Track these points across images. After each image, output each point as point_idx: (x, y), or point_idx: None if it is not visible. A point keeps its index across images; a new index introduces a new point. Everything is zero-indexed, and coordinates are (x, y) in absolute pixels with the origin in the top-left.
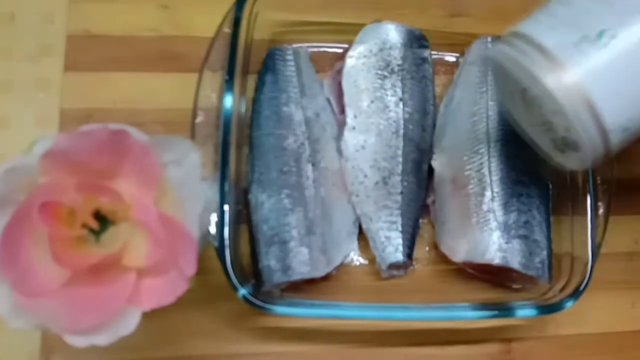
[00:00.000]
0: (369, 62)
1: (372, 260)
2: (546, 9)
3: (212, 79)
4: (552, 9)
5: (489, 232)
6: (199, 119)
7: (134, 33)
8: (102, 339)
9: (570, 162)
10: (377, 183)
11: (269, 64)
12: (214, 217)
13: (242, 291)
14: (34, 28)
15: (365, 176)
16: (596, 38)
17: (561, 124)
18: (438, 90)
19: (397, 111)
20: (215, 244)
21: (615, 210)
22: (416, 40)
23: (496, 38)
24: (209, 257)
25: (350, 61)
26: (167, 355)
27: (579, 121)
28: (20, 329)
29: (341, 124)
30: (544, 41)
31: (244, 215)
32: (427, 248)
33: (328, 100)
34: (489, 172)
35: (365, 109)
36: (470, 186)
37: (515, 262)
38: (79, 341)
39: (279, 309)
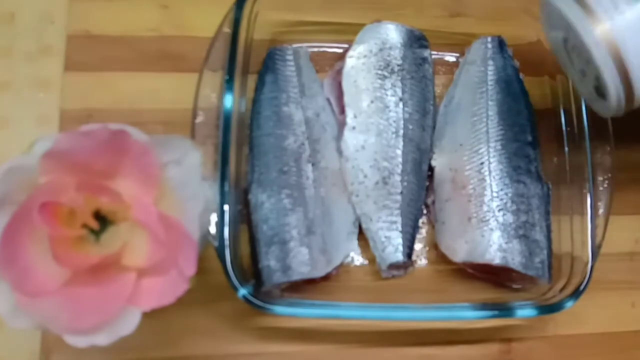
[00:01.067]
0: (369, 62)
1: (372, 260)
2: None
3: (212, 79)
4: None
5: (489, 232)
6: (199, 119)
7: (134, 33)
8: (102, 339)
9: (600, 109)
10: (377, 183)
11: (269, 64)
12: (214, 217)
13: (242, 291)
14: (34, 28)
15: (365, 176)
16: (633, 0)
17: (593, 73)
18: (438, 90)
19: (397, 111)
20: (215, 244)
21: (615, 210)
22: (416, 40)
23: (496, 38)
24: (209, 257)
25: (350, 61)
26: (167, 355)
27: (608, 72)
28: (20, 329)
29: (341, 124)
30: None
31: (244, 215)
32: (427, 248)
33: (328, 100)
34: (489, 172)
35: (365, 109)
36: (470, 186)
37: (515, 262)
38: (79, 341)
39: (279, 309)
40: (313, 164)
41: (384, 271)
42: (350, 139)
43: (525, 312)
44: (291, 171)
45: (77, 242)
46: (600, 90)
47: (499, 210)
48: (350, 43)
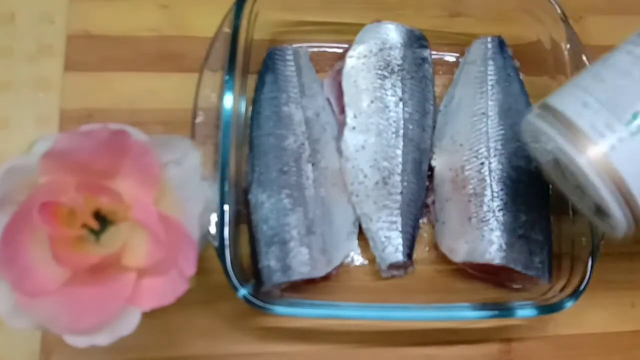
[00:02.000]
0: (369, 62)
1: (372, 260)
2: (579, 82)
3: (212, 79)
4: (586, 84)
5: (489, 232)
6: (199, 119)
7: (134, 33)
8: (102, 339)
9: (605, 227)
10: (377, 183)
11: (269, 64)
12: (214, 217)
13: (242, 291)
14: (34, 28)
15: (365, 176)
16: (630, 120)
17: (594, 196)
18: (438, 90)
19: (397, 111)
20: (215, 244)
21: None
22: (416, 40)
23: (496, 38)
24: (209, 257)
25: (350, 61)
26: (167, 355)
27: (611, 198)
28: (20, 329)
29: (341, 124)
30: (577, 120)
31: (244, 215)
32: (427, 248)
33: (328, 100)
34: (489, 172)
35: (365, 109)
36: (470, 186)
37: (515, 262)
38: (79, 341)
39: (279, 309)
40: (313, 164)
41: (384, 271)
42: (350, 139)
43: (525, 312)
44: (291, 171)
45: (77, 242)
46: (602, 210)
47: (499, 210)
48: (350, 43)
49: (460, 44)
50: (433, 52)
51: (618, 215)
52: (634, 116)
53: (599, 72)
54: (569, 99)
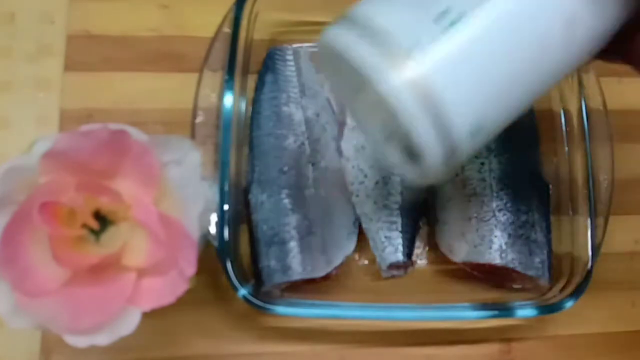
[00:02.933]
0: None
1: (372, 260)
2: None
3: (212, 79)
4: None
5: (489, 232)
6: (199, 119)
7: (134, 33)
8: (102, 339)
9: (410, 173)
10: (377, 183)
11: (269, 64)
12: (214, 217)
13: (242, 291)
14: (34, 28)
15: (365, 176)
16: (439, 18)
17: (403, 124)
18: None
19: None
20: (215, 244)
21: (615, 210)
22: None
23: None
24: (209, 257)
25: None
26: (167, 355)
27: (419, 125)
28: (20, 329)
29: (341, 124)
30: (378, 20)
31: (244, 215)
32: (427, 248)
33: (328, 100)
34: (489, 172)
35: None
36: (470, 186)
37: (515, 262)
38: (79, 341)
39: (279, 309)
40: (313, 164)
41: (384, 271)
42: (351, 139)
43: (525, 312)
44: (291, 171)
45: (77, 242)
46: (409, 149)
47: (499, 210)
48: None
49: None
50: None
51: (425, 144)
52: (444, 13)
53: None
54: (368, 3)
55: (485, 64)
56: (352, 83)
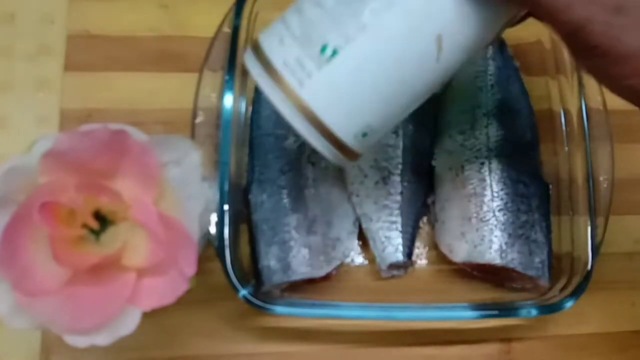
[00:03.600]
0: None
1: (372, 260)
2: (285, 15)
3: (212, 79)
4: (288, 18)
5: (489, 232)
6: (199, 119)
7: (134, 33)
8: (102, 339)
9: (329, 159)
10: (377, 183)
11: None
12: (214, 217)
13: (242, 291)
14: (34, 28)
15: (365, 176)
16: (319, 53)
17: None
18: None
19: None
20: (215, 244)
21: (615, 210)
22: None
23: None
24: (209, 257)
25: None
26: (167, 355)
27: (311, 137)
28: (20, 329)
29: None
30: (272, 57)
31: (244, 215)
32: (427, 248)
33: None
34: (489, 172)
35: None
36: (470, 186)
37: (515, 262)
38: (79, 341)
39: (279, 309)
40: (313, 164)
41: (384, 271)
42: None
43: (525, 312)
44: (291, 171)
45: (77, 242)
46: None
47: (499, 210)
48: None
49: None
50: None
51: (321, 149)
52: (323, 49)
53: (299, 4)
54: (271, 36)
55: (358, 85)
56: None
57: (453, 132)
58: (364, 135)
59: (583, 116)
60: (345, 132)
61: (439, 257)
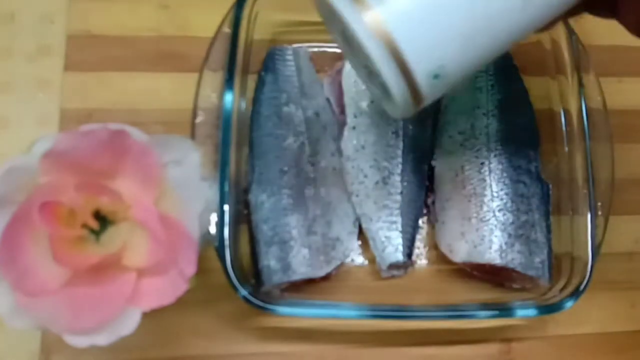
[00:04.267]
0: None
1: (372, 260)
2: None
3: (212, 79)
4: None
5: (489, 232)
6: (199, 119)
7: (134, 33)
8: (102, 339)
9: (390, 109)
10: (377, 183)
11: (269, 64)
12: (214, 217)
13: (242, 291)
14: (34, 28)
15: (365, 176)
16: None
17: (374, 68)
18: None
19: None
20: (215, 244)
21: (615, 210)
22: None
23: None
24: (209, 257)
25: None
26: (167, 355)
27: (384, 65)
28: (20, 329)
29: (341, 124)
30: None
31: (244, 215)
32: (427, 248)
33: (328, 100)
34: (489, 172)
35: (365, 109)
36: (470, 186)
37: (515, 262)
38: (79, 341)
39: (279, 309)
40: (313, 164)
41: (384, 271)
42: (350, 139)
43: (525, 312)
44: (291, 171)
45: (77, 242)
46: (384, 87)
47: (499, 210)
48: None
49: None
50: None
51: (390, 81)
52: None
53: None
54: None
55: (442, 14)
56: (336, 25)
57: (453, 132)
58: (435, 77)
59: (583, 116)
60: (420, 66)
61: (439, 257)
